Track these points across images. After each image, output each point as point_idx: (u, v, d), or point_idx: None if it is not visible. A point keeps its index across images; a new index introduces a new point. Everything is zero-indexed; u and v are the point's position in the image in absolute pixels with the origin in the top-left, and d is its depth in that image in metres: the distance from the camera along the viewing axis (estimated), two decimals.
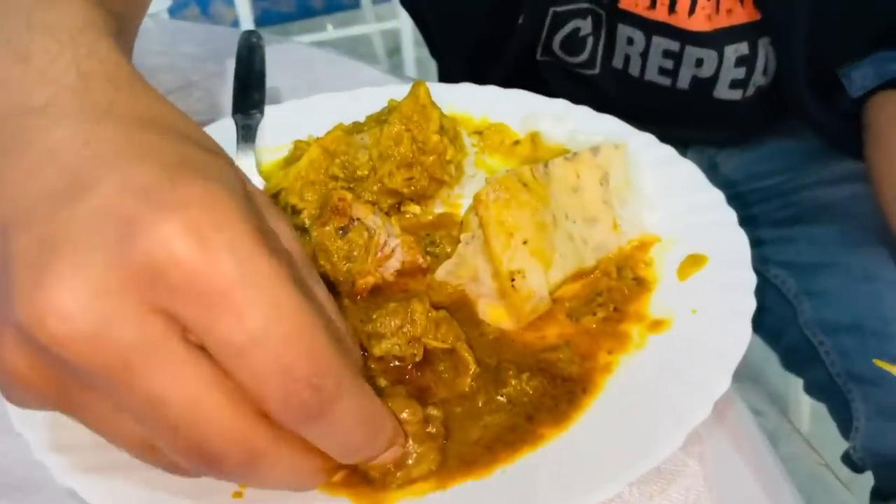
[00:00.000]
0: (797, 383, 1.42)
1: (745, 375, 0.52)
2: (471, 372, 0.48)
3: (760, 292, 0.93)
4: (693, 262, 0.54)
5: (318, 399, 0.31)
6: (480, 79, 0.77)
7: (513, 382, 0.47)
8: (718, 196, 0.58)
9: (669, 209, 0.59)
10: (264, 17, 3.35)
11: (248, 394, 0.30)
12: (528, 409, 0.46)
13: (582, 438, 0.44)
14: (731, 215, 0.56)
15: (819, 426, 1.38)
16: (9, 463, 0.47)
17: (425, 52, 1.19)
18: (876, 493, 0.84)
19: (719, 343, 0.47)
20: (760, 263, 0.95)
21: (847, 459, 0.83)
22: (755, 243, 0.94)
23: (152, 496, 0.40)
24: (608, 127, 0.67)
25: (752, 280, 0.50)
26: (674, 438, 0.41)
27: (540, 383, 0.47)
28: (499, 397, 0.47)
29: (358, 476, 0.41)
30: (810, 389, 0.93)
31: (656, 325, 0.51)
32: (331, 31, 2.85)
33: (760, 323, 1.00)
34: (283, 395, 0.30)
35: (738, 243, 0.54)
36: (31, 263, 0.29)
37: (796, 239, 0.93)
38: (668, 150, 0.63)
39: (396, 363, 0.48)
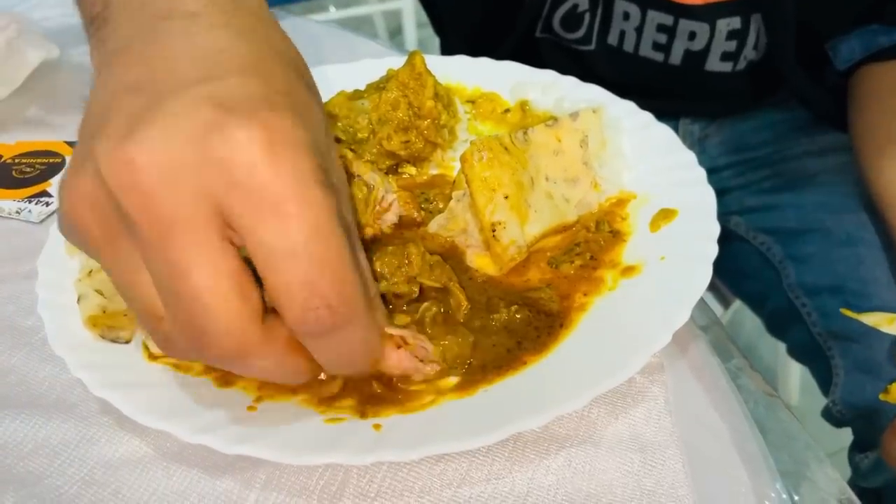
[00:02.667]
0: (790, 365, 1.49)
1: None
2: (463, 308, 0.54)
3: (746, 261, 1.00)
4: (664, 215, 0.60)
5: (331, 319, 0.36)
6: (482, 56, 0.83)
7: (503, 311, 0.54)
8: (690, 156, 0.64)
9: (646, 169, 0.65)
10: None
11: (270, 296, 0.36)
12: (517, 336, 0.53)
13: (557, 365, 0.50)
14: (700, 173, 0.62)
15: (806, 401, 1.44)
16: (45, 387, 0.54)
17: (426, 32, 1.25)
18: (854, 447, 0.90)
19: (682, 283, 0.53)
20: (753, 234, 1.01)
21: (827, 414, 0.89)
22: (743, 211, 1.01)
23: (172, 405, 0.46)
24: (592, 95, 0.73)
25: (716, 230, 0.56)
26: (635, 362, 0.47)
27: (525, 315, 0.54)
28: (492, 322, 0.53)
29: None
30: (793, 351, 0.99)
31: (628, 270, 0.57)
32: (333, 12, 2.90)
33: (746, 289, 1.07)
34: (301, 307, 0.35)
35: (705, 198, 0.60)
36: (129, 116, 0.35)
37: (782, 206, 0.99)
38: (646, 116, 0.69)
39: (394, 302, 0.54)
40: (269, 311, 0.38)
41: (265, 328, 0.37)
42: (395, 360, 0.47)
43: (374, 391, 0.49)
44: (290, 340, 0.38)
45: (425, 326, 0.52)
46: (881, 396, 0.57)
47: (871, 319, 0.57)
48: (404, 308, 0.54)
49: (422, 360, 0.49)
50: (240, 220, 0.34)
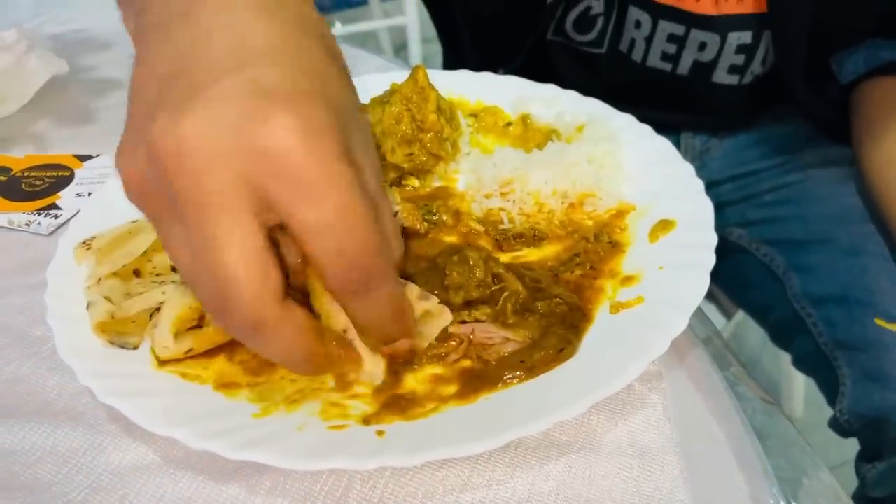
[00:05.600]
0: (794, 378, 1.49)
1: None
2: (521, 296, 0.56)
3: (750, 271, 1.01)
4: (663, 226, 0.62)
5: (364, 280, 0.40)
6: (492, 64, 0.84)
7: (553, 297, 0.56)
8: (688, 168, 0.65)
9: (644, 180, 0.67)
10: None
11: (313, 265, 0.40)
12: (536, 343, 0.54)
13: (557, 372, 0.51)
14: (698, 184, 0.63)
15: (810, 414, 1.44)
16: (54, 395, 0.55)
17: (430, 48, 1.26)
18: (861, 457, 0.90)
19: (680, 292, 0.54)
20: (756, 246, 1.01)
21: (834, 424, 0.89)
22: (745, 224, 1.02)
23: (179, 413, 0.48)
24: (592, 108, 0.75)
25: (713, 240, 0.57)
26: (633, 370, 0.48)
27: (564, 310, 0.56)
28: (536, 302, 0.56)
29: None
30: (798, 362, 0.99)
31: (627, 280, 0.58)
32: (339, 28, 2.92)
33: (749, 300, 1.08)
34: (339, 271, 0.40)
35: (703, 209, 0.61)
36: (177, 103, 0.38)
37: (785, 218, 1.00)
38: (645, 128, 0.71)
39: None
40: (289, 295, 0.41)
41: (283, 306, 0.40)
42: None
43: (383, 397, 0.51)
44: (305, 325, 0.42)
45: (508, 316, 0.55)
46: None
47: None
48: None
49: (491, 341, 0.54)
50: (278, 202, 0.38)
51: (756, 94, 1.01)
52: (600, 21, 0.97)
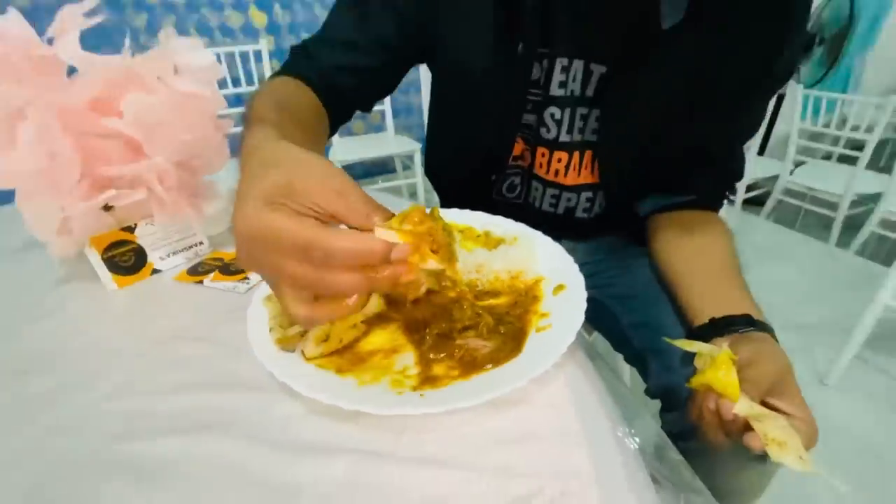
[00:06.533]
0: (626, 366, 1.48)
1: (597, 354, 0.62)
2: (490, 324, 0.58)
3: (600, 311, 1.03)
4: (559, 287, 0.65)
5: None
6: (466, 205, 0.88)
7: (507, 324, 0.58)
8: (570, 260, 0.70)
9: (548, 264, 0.71)
10: None
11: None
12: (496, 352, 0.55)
13: (515, 362, 0.54)
14: (575, 267, 0.68)
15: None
16: (245, 377, 0.55)
17: (432, 196, 1.23)
18: (662, 409, 0.92)
19: (571, 320, 0.58)
20: (603, 298, 1.05)
21: (648, 392, 0.91)
22: (596, 287, 1.04)
23: (318, 386, 0.50)
24: (522, 229, 0.79)
25: (584, 296, 0.61)
26: (551, 359, 0.52)
27: (513, 330, 0.58)
28: (499, 326, 0.57)
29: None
30: (627, 359, 1.01)
31: (543, 315, 0.61)
32: (380, 184, 2.95)
33: (600, 325, 1.10)
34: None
35: (579, 279, 0.65)
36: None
37: (619, 283, 1.03)
38: (548, 239, 0.76)
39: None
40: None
41: (315, 306, 0.44)
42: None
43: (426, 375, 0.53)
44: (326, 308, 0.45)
45: (485, 336, 0.57)
46: (688, 384, 0.58)
47: (680, 343, 0.61)
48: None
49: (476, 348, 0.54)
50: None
51: (599, 222, 1.05)
52: (519, 187, 1.03)
